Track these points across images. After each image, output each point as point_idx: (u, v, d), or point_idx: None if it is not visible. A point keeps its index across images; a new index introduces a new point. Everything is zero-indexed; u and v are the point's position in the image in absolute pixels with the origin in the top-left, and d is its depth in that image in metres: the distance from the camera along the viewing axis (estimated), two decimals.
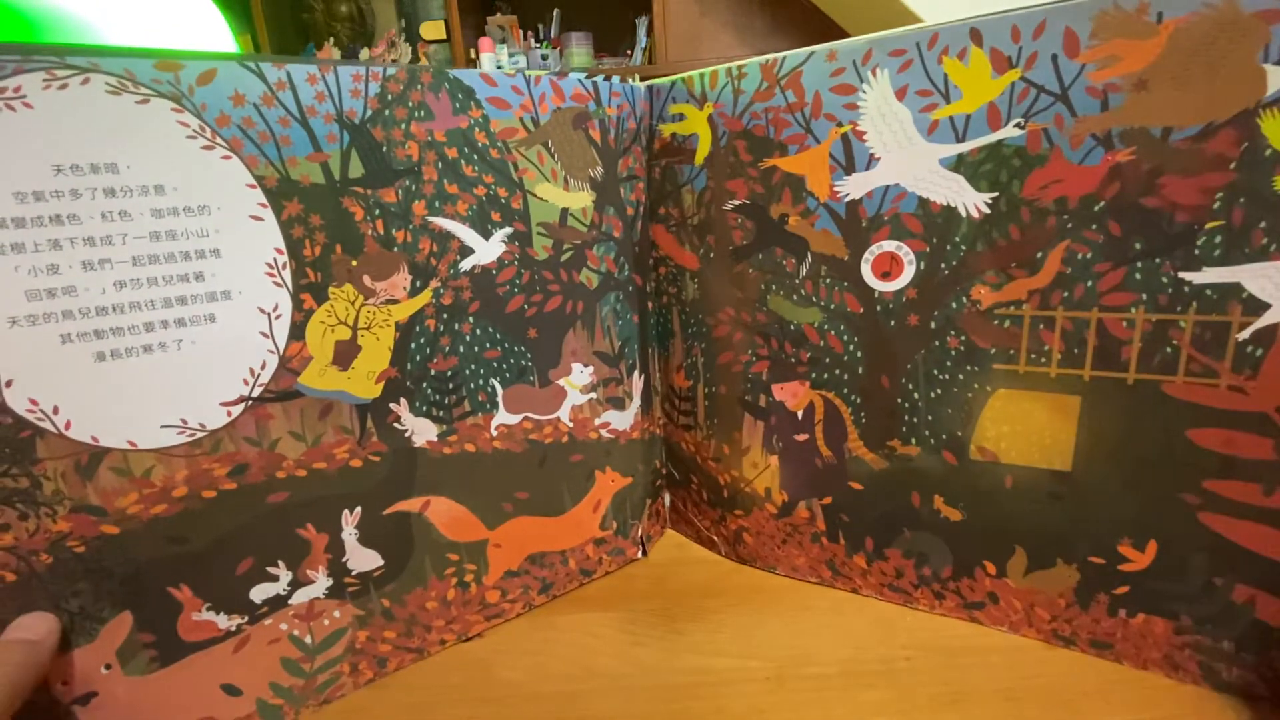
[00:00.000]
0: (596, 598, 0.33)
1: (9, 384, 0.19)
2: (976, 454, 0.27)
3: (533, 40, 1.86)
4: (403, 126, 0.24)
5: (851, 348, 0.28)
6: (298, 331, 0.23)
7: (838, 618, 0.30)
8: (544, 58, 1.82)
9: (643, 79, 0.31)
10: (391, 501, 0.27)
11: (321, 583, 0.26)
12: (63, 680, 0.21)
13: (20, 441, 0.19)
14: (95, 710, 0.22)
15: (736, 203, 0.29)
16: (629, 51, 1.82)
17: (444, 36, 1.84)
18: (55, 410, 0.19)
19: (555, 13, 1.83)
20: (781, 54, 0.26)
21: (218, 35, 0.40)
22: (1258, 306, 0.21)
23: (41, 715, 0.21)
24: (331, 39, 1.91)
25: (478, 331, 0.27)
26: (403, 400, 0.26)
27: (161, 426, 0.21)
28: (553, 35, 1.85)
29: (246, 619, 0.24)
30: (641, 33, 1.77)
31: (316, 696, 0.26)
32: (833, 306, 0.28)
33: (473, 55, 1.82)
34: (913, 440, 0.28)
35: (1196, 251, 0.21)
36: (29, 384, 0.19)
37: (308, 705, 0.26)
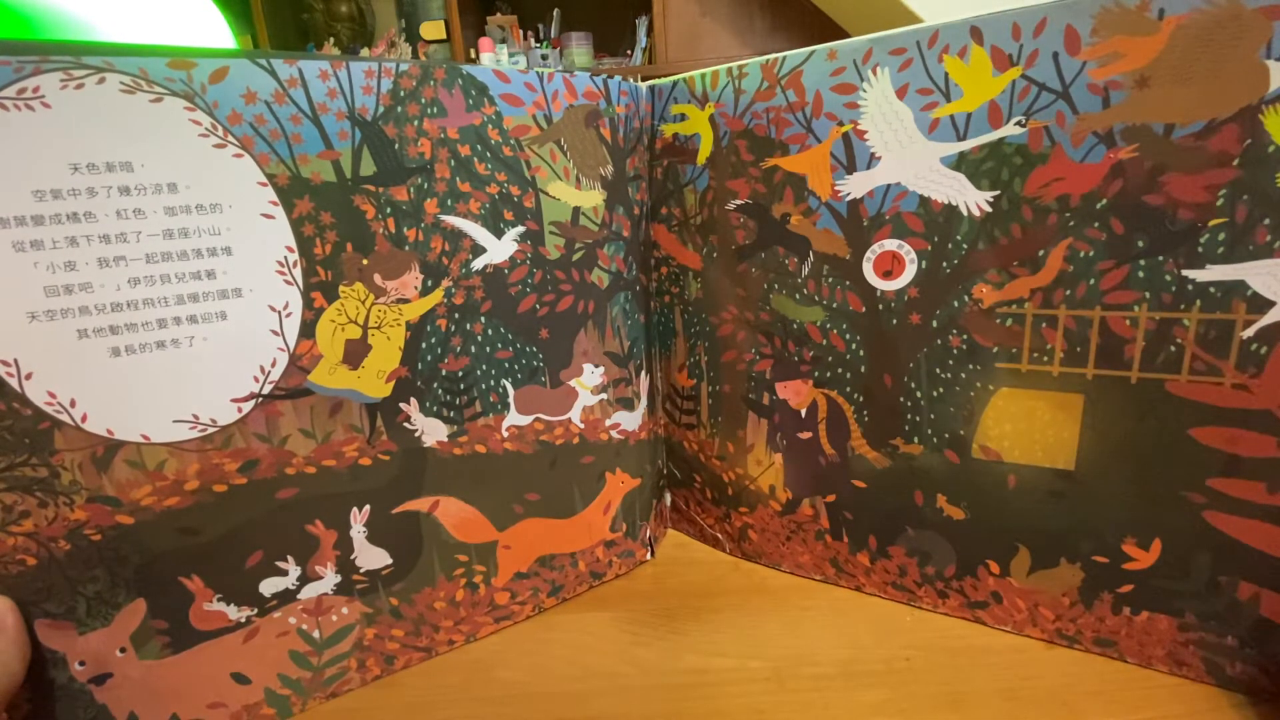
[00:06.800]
0: (596, 597, 0.33)
1: (29, 377, 0.19)
2: (979, 453, 0.27)
3: (532, 40, 1.88)
4: (415, 123, 0.24)
5: (854, 346, 0.28)
6: (308, 329, 0.23)
7: (838, 618, 0.30)
8: (544, 58, 1.83)
9: (643, 79, 0.31)
10: (400, 501, 0.27)
11: (330, 579, 0.26)
12: (80, 660, 0.22)
13: (39, 433, 0.20)
14: (110, 690, 0.22)
15: (738, 202, 0.29)
16: (629, 51, 1.83)
17: (444, 36, 1.86)
18: (73, 403, 0.20)
19: (555, 13, 1.85)
20: (782, 54, 0.26)
21: (218, 35, 0.41)
22: (1262, 304, 0.21)
23: (59, 693, 0.22)
24: (331, 39, 1.94)
25: (489, 331, 0.27)
26: (413, 400, 0.26)
27: (174, 421, 0.22)
28: (553, 35, 1.87)
29: (256, 611, 0.25)
30: (641, 33, 1.78)
31: (324, 690, 0.27)
32: (835, 305, 0.28)
33: (472, 55, 1.84)
34: (915, 439, 0.28)
35: (1200, 249, 0.21)
36: (48, 377, 0.20)
37: (315, 698, 0.27)
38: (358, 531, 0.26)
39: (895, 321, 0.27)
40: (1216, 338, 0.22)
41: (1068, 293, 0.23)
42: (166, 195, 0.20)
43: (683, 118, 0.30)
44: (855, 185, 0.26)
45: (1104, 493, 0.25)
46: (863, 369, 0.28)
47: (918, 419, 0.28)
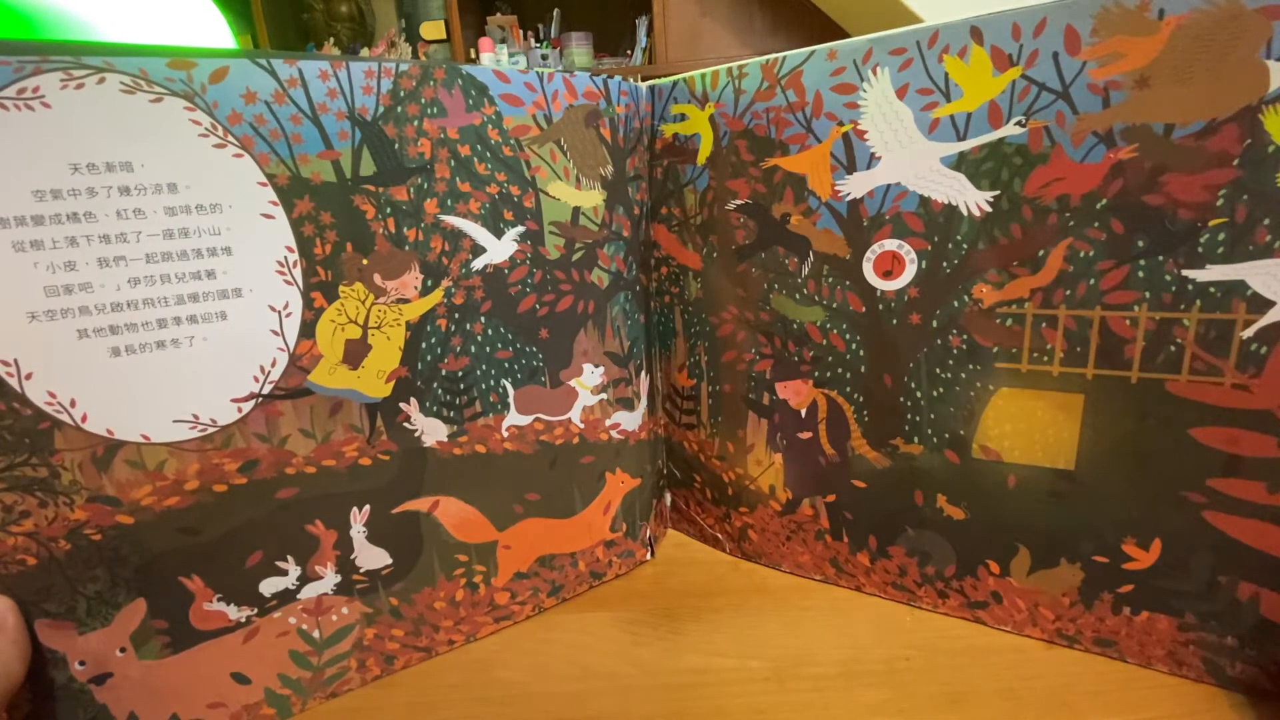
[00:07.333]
0: (596, 597, 0.33)
1: (29, 377, 0.19)
2: (979, 453, 0.27)
3: (532, 40, 1.88)
4: (415, 123, 0.24)
5: (854, 346, 0.28)
6: (308, 329, 0.23)
7: (838, 618, 0.30)
8: (544, 58, 1.84)
9: (643, 79, 0.31)
10: (400, 500, 0.27)
11: (330, 579, 0.26)
12: (80, 660, 0.22)
13: (39, 433, 0.20)
14: (110, 690, 0.22)
15: (739, 202, 0.29)
16: (629, 51, 1.83)
17: (444, 36, 1.86)
18: (73, 403, 0.20)
19: (555, 13, 1.85)
20: (782, 54, 0.26)
21: (218, 35, 0.41)
22: (1262, 304, 0.21)
23: (59, 693, 0.22)
24: (331, 39, 1.94)
25: (489, 331, 0.27)
26: (413, 400, 0.26)
27: (174, 421, 0.22)
28: (553, 35, 1.87)
29: (256, 611, 0.25)
30: (641, 33, 1.78)
31: (324, 690, 0.27)
32: (835, 305, 0.28)
33: (472, 55, 1.84)
34: (915, 439, 0.28)
35: (1200, 249, 0.21)
36: (48, 377, 0.20)
37: (315, 697, 0.27)
38: (358, 531, 0.26)
39: (895, 321, 0.27)
40: (1216, 338, 0.22)
41: (1068, 293, 0.23)
42: (166, 195, 0.20)
43: (683, 118, 0.30)
44: (855, 185, 0.26)
45: (1104, 493, 0.25)
46: (863, 369, 0.28)
47: (918, 419, 0.28)
